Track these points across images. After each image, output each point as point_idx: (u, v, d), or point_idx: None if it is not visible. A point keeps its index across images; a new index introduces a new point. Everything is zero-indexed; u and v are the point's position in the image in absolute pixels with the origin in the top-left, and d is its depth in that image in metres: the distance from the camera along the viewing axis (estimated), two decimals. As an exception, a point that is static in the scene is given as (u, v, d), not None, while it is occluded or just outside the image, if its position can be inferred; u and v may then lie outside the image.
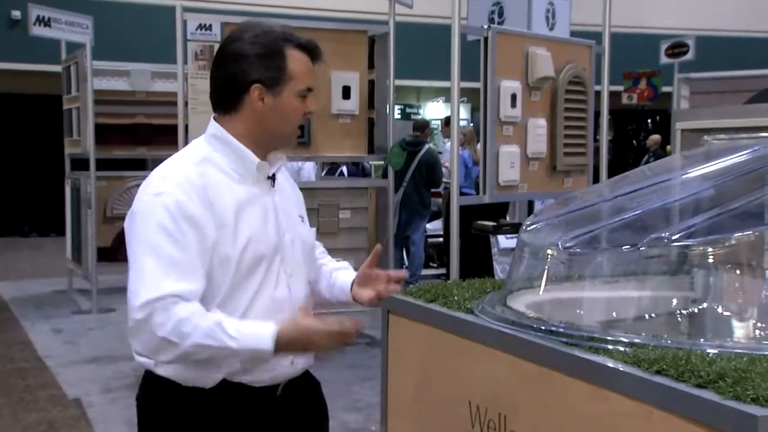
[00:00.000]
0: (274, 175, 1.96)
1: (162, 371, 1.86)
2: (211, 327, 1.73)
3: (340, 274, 2.15)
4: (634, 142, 18.14)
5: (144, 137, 8.78)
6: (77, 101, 8.11)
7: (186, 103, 5.66)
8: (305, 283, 2.03)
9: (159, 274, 1.75)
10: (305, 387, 2.04)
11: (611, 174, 5.34)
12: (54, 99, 9.47)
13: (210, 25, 5.72)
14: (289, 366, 1.93)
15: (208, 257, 1.80)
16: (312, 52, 1.94)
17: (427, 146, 8.25)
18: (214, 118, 1.94)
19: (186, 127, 5.62)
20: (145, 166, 11.39)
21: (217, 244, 1.81)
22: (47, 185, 12.45)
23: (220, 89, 1.91)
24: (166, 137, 7.71)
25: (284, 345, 1.79)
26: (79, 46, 8.05)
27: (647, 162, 11.54)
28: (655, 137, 13.38)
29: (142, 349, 1.80)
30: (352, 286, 2.11)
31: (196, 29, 5.72)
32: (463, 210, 5.01)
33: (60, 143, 8.87)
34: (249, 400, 1.89)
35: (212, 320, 1.74)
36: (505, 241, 6.63)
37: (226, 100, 1.91)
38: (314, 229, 2.13)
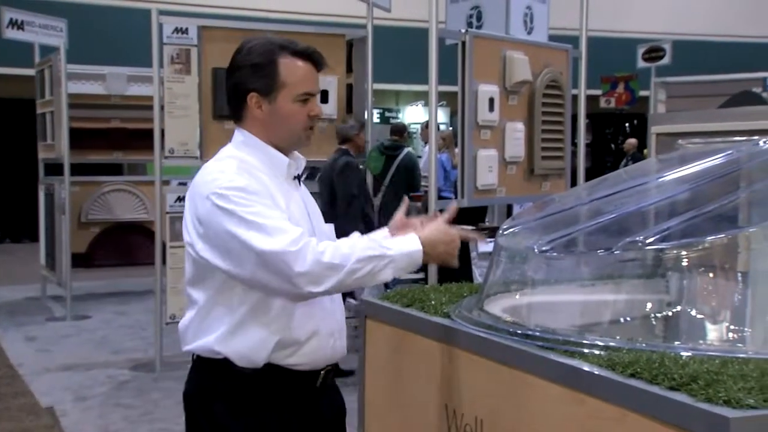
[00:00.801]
0: (299, 174, 2.12)
1: (220, 347, 1.96)
2: (366, 242, 1.93)
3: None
4: (613, 145, 18.25)
5: (120, 142, 8.75)
6: (51, 105, 8.02)
7: (162, 107, 5.63)
8: None
9: (281, 223, 1.87)
10: (334, 385, 2.17)
11: (590, 178, 5.38)
12: (27, 103, 9.33)
13: (186, 29, 5.68)
14: (330, 349, 2.06)
15: None
16: (310, 57, 2.03)
17: (406, 150, 8.25)
18: (236, 128, 2.08)
19: (162, 132, 5.59)
20: (120, 171, 11.31)
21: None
22: (20, 190, 12.20)
23: (228, 100, 2.07)
24: (142, 142, 7.66)
25: (429, 245, 1.96)
26: (53, 50, 7.96)
27: (625, 166, 11.61)
28: (633, 141, 13.47)
29: (309, 276, 1.84)
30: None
31: (173, 33, 5.67)
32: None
33: (33, 148, 8.75)
34: (292, 386, 2.01)
35: (364, 238, 1.97)
36: (483, 245, 6.63)
37: (234, 109, 2.06)
38: (332, 225, 2.25)
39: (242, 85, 2.01)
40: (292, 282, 1.85)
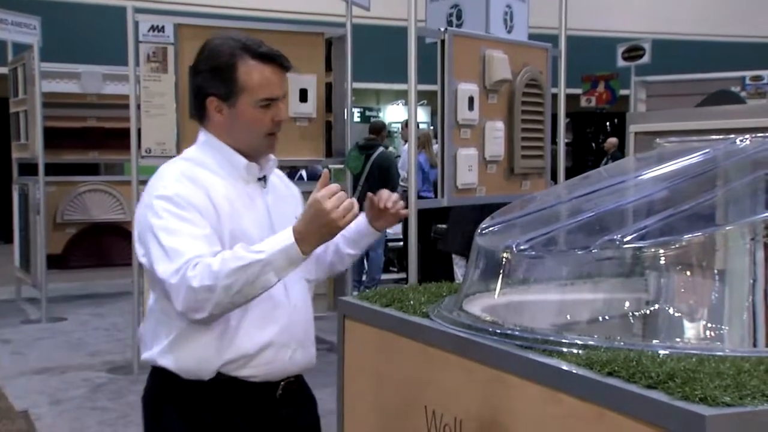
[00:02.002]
0: (265, 176, 2.05)
1: (164, 361, 1.93)
2: (234, 252, 1.80)
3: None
4: (593, 144, 18.34)
5: (95, 141, 8.67)
6: (25, 104, 7.92)
7: (138, 106, 5.56)
8: (303, 283, 2.10)
9: (182, 245, 1.82)
10: (304, 398, 2.14)
11: (570, 177, 5.37)
12: (0, 102, 9.24)
13: (163, 27, 5.61)
14: (288, 361, 2.01)
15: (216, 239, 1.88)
16: (273, 60, 1.95)
17: (380, 149, 8.24)
18: (201, 129, 2.04)
19: (139, 131, 5.53)
20: (97, 170, 11.18)
21: (217, 232, 1.89)
22: None
23: (191, 101, 2.05)
24: (118, 141, 7.61)
25: (305, 231, 1.80)
26: (26, 48, 7.86)
27: (606, 164, 11.67)
28: (613, 140, 13.55)
29: (186, 308, 1.81)
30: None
31: (149, 31, 5.59)
32: (423, 214, 5.00)
33: (7, 147, 8.64)
34: (248, 397, 1.95)
35: (236, 248, 1.82)
36: (464, 245, 6.64)
37: (196, 110, 2.01)
38: None
39: (202, 88, 1.97)
40: (176, 311, 1.83)
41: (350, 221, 1.83)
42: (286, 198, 2.13)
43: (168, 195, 1.86)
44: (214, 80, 1.94)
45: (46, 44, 7.97)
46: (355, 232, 2.24)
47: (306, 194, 2.30)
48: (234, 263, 1.77)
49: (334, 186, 1.83)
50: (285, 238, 1.81)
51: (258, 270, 1.78)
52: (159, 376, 1.99)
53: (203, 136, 2.03)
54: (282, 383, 2.02)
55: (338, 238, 2.16)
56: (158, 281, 1.83)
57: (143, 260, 1.91)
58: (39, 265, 7.75)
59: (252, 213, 1.97)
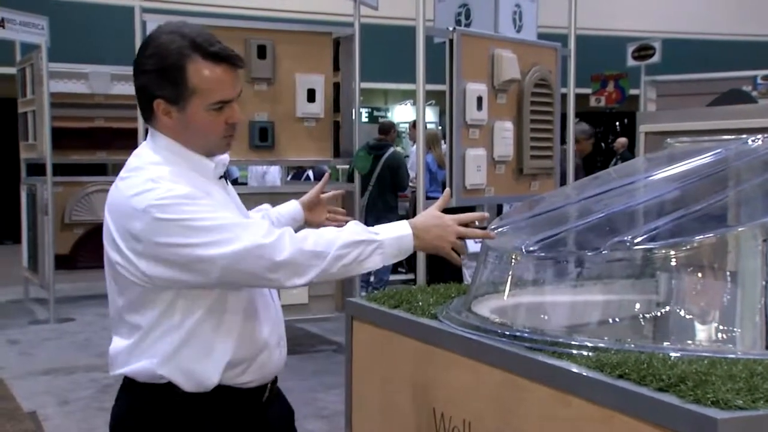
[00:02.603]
0: (226, 174, 1.95)
1: (164, 371, 1.80)
2: (352, 227, 1.79)
3: (276, 209, 2.28)
4: (603, 144, 18.28)
5: (103, 141, 8.62)
6: (33, 104, 7.91)
7: (146, 107, 5.56)
8: None
9: (238, 218, 1.80)
10: (278, 391, 2.06)
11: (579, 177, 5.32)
12: (8, 102, 9.22)
13: (170, 26, 5.62)
14: (278, 359, 1.95)
15: None
16: (226, 60, 1.79)
17: (391, 149, 8.22)
18: (150, 129, 1.89)
19: (146, 131, 5.50)
20: (104, 170, 11.15)
21: None
22: (2, 191, 12.04)
23: (138, 101, 1.87)
24: (126, 141, 7.55)
25: (421, 229, 1.85)
26: (34, 48, 7.85)
27: (615, 164, 11.63)
28: (623, 140, 13.47)
29: (288, 270, 1.73)
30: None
31: (156, 30, 5.61)
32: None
33: (15, 147, 8.64)
34: (239, 406, 1.89)
35: (350, 224, 1.82)
36: (473, 246, 6.61)
37: (143, 111, 1.86)
38: None
39: (147, 89, 1.80)
40: (268, 277, 1.73)
41: (450, 250, 1.90)
42: (236, 194, 2.03)
43: (182, 193, 1.72)
44: (161, 82, 1.77)
45: (54, 44, 7.97)
46: (290, 218, 2.26)
47: (292, 195, 2.33)
48: (351, 236, 1.77)
49: (476, 214, 1.97)
50: (402, 227, 1.84)
51: (371, 249, 1.78)
52: (142, 392, 1.85)
53: (155, 139, 1.86)
54: (269, 384, 1.97)
55: (273, 219, 2.22)
56: (230, 256, 1.68)
57: (155, 272, 1.74)
58: (47, 265, 7.73)
59: (230, 211, 1.88)
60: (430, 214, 1.91)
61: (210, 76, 1.77)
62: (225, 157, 1.94)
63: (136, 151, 1.90)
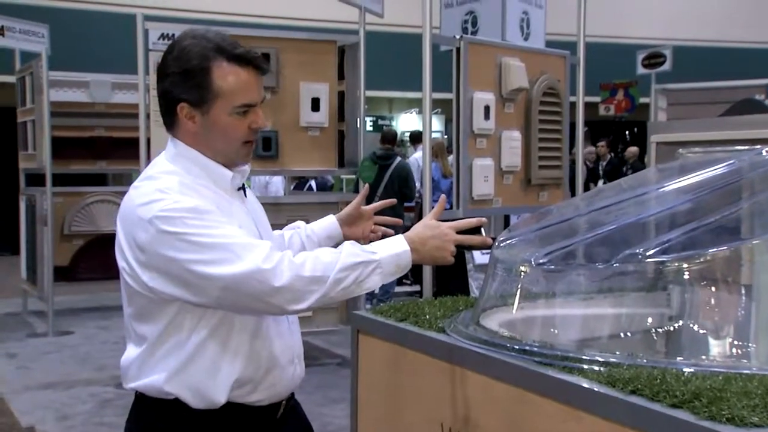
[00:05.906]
0: (244, 186, 1.94)
1: (170, 388, 1.79)
2: (349, 248, 1.76)
3: (310, 226, 2.21)
4: (612, 154, 18.22)
5: (104, 151, 8.57)
6: (32, 113, 7.87)
7: (148, 116, 5.51)
8: None
9: (245, 238, 1.73)
10: (295, 406, 2.04)
11: (589, 188, 5.27)
12: (8, 111, 9.17)
13: (173, 35, 5.55)
14: (291, 378, 1.92)
15: None
16: (251, 62, 1.80)
17: (398, 159, 8.20)
18: (170, 138, 1.88)
19: (148, 141, 5.47)
20: (105, 181, 11.09)
21: None
22: (0, 202, 11.84)
23: (159, 107, 1.86)
24: (127, 151, 7.53)
25: (417, 242, 1.82)
26: (34, 56, 7.82)
27: (626, 174, 11.58)
28: (633, 149, 13.44)
29: (288, 296, 1.70)
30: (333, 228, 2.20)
31: (159, 39, 5.57)
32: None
33: (14, 157, 8.59)
34: (251, 423, 1.86)
35: (346, 245, 1.78)
36: (480, 257, 6.57)
37: (165, 118, 1.85)
38: (282, 234, 2.17)
39: (171, 93, 1.79)
40: (268, 301, 1.69)
41: (451, 258, 1.87)
42: (257, 206, 2.02)
43: (189, 206, 1.70)
44: (184, 85, 1.77)
45: (54, 52, 7.94)
46: (325, 237, 2.20)
47: (295, 205, 2.28)
48: (349, 258, 1.73)
49: (474, 220, 1.92)
50: (399, 244, 1.81)
51: (370, 270, 1.75)
52: (153, 408, 1.84)
53: (174, 146, 1.85)
54: (283, 402, 1.94)
55: (304, 238, 2.17)
56: (229, 278, 1.66)
57: (156, 284, 1.73)
58: (46, 277, 7.64)
59: (245, 223, 1.87)
60: (426, 224, 1.88)
61: (234, 78, 1.77)
62: (245, 168, 1.92)
63: (154, 160, 1.90)
